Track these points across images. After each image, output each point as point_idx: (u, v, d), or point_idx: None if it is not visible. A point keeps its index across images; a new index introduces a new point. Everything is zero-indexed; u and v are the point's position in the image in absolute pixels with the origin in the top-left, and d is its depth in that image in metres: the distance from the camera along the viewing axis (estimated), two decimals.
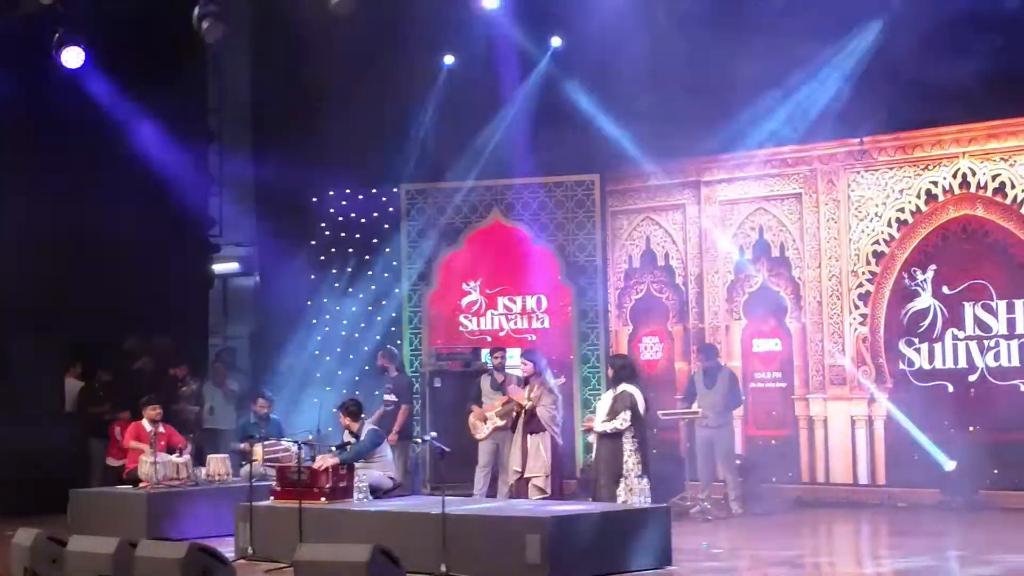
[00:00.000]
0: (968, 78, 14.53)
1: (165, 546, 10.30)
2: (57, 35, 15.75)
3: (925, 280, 15.95)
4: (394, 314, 18.77)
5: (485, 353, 17.30)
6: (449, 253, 18.68)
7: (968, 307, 15.64)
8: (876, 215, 16.27)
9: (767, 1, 15.46)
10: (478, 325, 18.56)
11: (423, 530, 11.34)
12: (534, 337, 18.11)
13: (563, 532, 10.96)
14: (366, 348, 18.58)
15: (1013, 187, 15.36)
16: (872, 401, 16.20)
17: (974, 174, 15.63)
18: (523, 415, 14.22)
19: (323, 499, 12.52)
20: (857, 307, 16.36)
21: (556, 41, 17.44)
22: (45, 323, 17.51)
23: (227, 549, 11.61)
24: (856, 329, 16.36)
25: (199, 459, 15.47)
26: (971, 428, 15.41)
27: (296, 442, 13.31)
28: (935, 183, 15.90)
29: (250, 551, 12.46)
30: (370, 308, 18.93)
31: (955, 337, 15.71)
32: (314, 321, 19.09)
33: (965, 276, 15.68)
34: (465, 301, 18.65)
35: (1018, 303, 15.34)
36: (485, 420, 15.25)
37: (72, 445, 17.35)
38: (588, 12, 16.06)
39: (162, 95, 17.65)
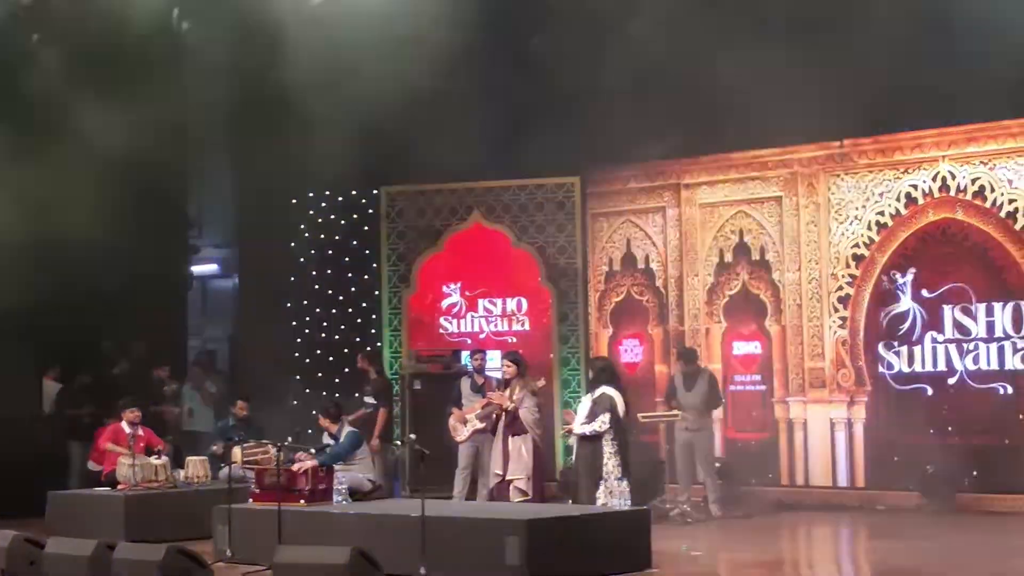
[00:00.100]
0: (948, 81, 14.57)
1: (143, 548, 10.28)
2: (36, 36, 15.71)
3: (904, 283, 15.99)
4: (374, 316, 18.76)
5: (465, 355, 17.30)
6: (429, 255, 18.67)
7: (947, 310, 15.68)
8: (856, 218, 16.30)
9: (748, 3, 15.47)
10: (458, 327, 18.55)
11: (403, 532, 11.32)
12: (514, 339, 18.10)
13: (542, 534, 10.94)
14: (346, 351, 18.57)
15: (992, 190, 15.40)
16: (851, 404, 16.23)
17: (953, 177, 15.67)
18: (504, 417, 14.19)
19: (302, 501, 12.49)
20: (837, 310, 16.39)
21: (535, 42, 17.42)
22: (22, 325, 17.43)
23: (206, 552, 11.56)
24: (836, 332, 16.38)
25: (177, 461, 15.42)
26: (949, 431, 15.45)
27: (275, 444, 13.28)
28: (915, 186, 15.94)
29: (229, 554, 12.42)
30: (350, 310, 18.91)
31: (934, 340, 15.75)
32: (293, 323, 19.07)
33: (944, 279, 15.72)
34: (445, 303, 18.63)
35: (997, 306, 15.38)
36: (465, 422, 15.23)
37: (50, 447, 17.28)
38: (570, 14, 16.05)
39: (140, 95, 17.58)
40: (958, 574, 11.73)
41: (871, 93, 15.27)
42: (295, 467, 12.74)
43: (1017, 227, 15.24)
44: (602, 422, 12.87)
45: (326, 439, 13.57)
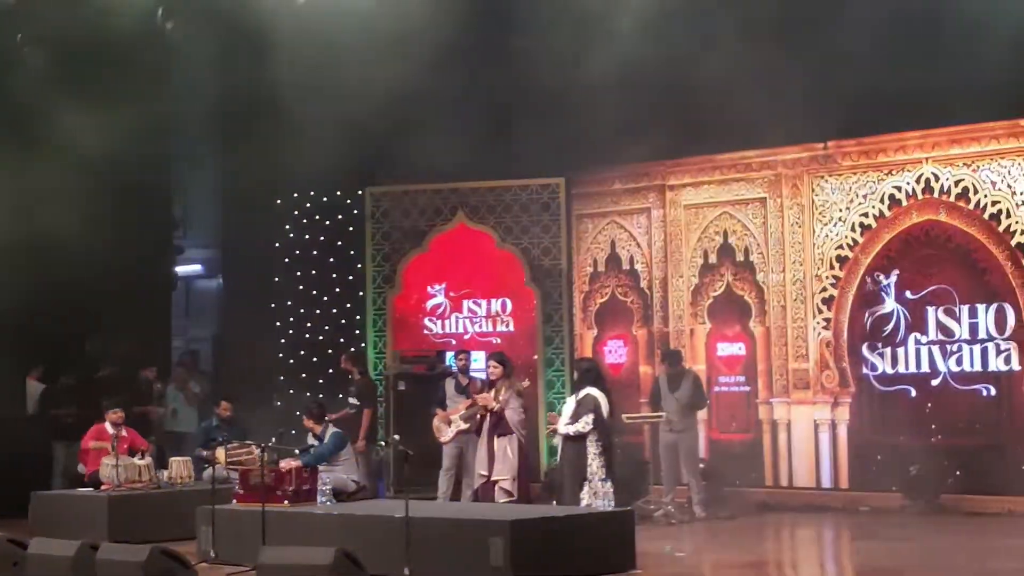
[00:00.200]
0: (931, 83, 14.60)
1: (127, 549, 10.26)
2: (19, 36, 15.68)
3: (888, 285, 16.02)
4: (358, 317, 18.75)
5: (450, 356, 17.30)
6: (414, 256, 18.65)
7: (931, 312, 15.71)
8: (840, 219, 16.33)
9: (733, 5, 15.49)
10: (443, 328, 18.55)
11: (387, 533, 11.30)
12: (499, 340, 18.09)
13: (526, 535, 10.94)
14: (330, 351, 18.56)
15: (976, 192, 15.44)
16: (835, 405, 16.26)
17: (937, 179, 15.71)
18: (489, 418, 14.17)
19: (286, 502, 12.48)
20: (821, 311, 16.42)
21: (520, 43, 17.42)
22: (6, 325, 17.39)
23: (189, 552, 11.54)
24: (820, 333, 16.41)
25: (161, 462, 15.40)
26: (933, 432, 15.49)
27: (259, 445, 13.26)
28: (898, 188, 15.98)
29: (213, 554, 12.40)
30: (334, 311, 18.90)
31: (918, 342, 15.78)
32: (278, 324, 19.05)
33: (928, 281, 15.76)
34: (430, 304, 18.63)
35: (980, 308, 15.42)
36: (449, 423, 15.22)
37: (34, 447, 17.24)
38: (554, 15, 16.05)
39: (126, 96, 17.56)
40: (941, 575, 11.75)
41: (855, 95, 15.31)
42: (279, 468, 12.73)
43: (1000, 229, 15.28)
44: (585, 423, 12.87)
45: (310, 440, 13.58)
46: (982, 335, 15.39)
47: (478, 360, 16.89)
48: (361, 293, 18.75)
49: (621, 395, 15.99)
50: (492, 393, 14.27)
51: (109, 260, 17.84)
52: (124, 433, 15.29)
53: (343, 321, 18.83)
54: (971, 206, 15.47)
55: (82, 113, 17.67)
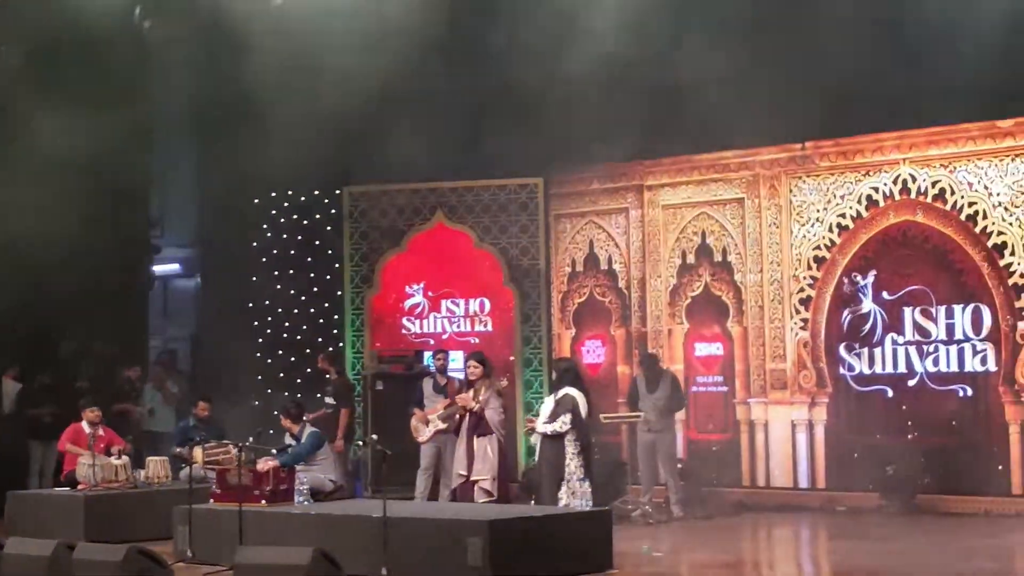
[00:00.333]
0: (909, 85, 14.64)
1: (103, 549, 10.24)
2: None
3: (865, 285, 16.07)
4: (336, 317, 18.73)
5: (428, 356, 17.29)
6: (392, 256, 18.64)
7: (908, 312, 15.76)
8: (817, 220, 16.37)
9: (710, 4, 15.51)
10: (421, 328, 18.53)
11: (364, 533, 11.30)
12: (477, 340, 18.08)
13: (504, 535, 10.94)
14: (308, 351, 18.53)
15: (952, 193, 15.49)
16: (812, 405, 16.29)
17: (914, 180, 15.76)
18: (469, 418, 14.15)
19: (264, 502, 12.46)
20: (798, 312, 16.45)
21: (499, 43, 17.42)
22: None
23: (166, 552, 11.52)
24: (797, 334, 16.45)
25: (138, 461, 15.35)
26: (909, 432, 15.54)
27: (237, 445, 13.24)
28: (876, 189, 16.02)
29: (189, 554, 12.38)
30: (312, 311, 18.87)
31: (895, 342, 15.83)
32: (255, 323, 19.01)
33: (905, 281, 15.80)
34: (408, 304, 18.62)
35: (957, 308, 15.47)
36: (427, 423, 15.21)
37: (10, 447, 17.18)
38: (532, 15, 16.05)
39: (102, 96, 17.51)
40: (917, 574, 11.79)
41: (832, 95, 15.33)
42: (257, 467, 12.71)
43: (977, 230, 15.33)
44: (563, 422, 12.88)
45: (288, 439, 13.55)
46: (959, 336, 15.43)
47: (456, 360, 16.89)
48: (339, 293, 18.72)
49: (599, 395, 16.01)
50: (472, 393, 14.25)
51: (86, 259, 17.78)
52: (101, 432, 15.24)
53: (321, 321, 18.80)
54: (948, 207, 15.53)
55: (59, 112, 17.62)
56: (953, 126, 15.48)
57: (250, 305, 19.04)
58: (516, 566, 10.83)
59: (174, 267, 23.62)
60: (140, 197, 20.37)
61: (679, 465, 15.85)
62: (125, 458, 14.82)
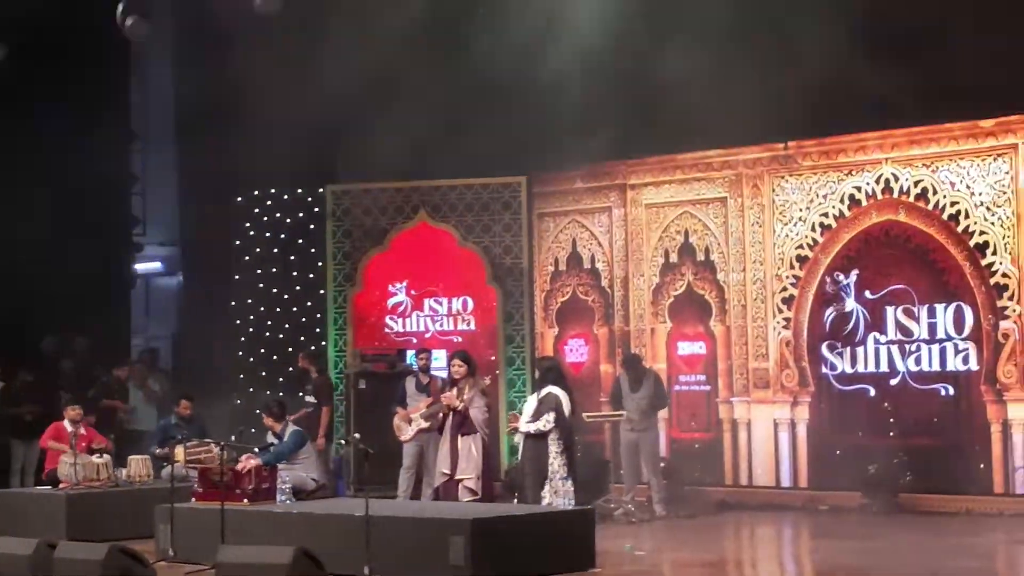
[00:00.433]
0: (891, 85, 14.66)
1: (85, 547, 10.22)
2: None
3: (848, 284, 16.09)
4: (319, 315, 18.70)
5: (411, 354, 17.28)
6: (375, 254, 18.62)
7: (890, 311, 15.79)
8: (800, 219, 16.39)
9: (693, 4, 15.52)
10: (404, 326, 18.52)
11: (346, 532, 11.28)
12: (460, 339, 18.08)
13: (487, 534, 10.93)
14: (290, 349, 18.50)
15: (935, 193, 15.52)
16: (795, 404, 16.32)
17: (896, 180, 15.79)
18: (453, 416, 14.11)
19: (246, 500, 12.43)
20: (781, 311, 16.47)
21: (482, 41, 17.41)
22: None
23: (148, 551, 11.49)
24: (780, 333, 16.47)
25: (120, 460, 15.31)
26: (891, 431, 15.57)
27: (219, 443, 13.20)
28: (858, 188, 16.05)
29: (171, 553, 12.34)
30: (295, 309, 18.85)
31: (877, 341, 15.85)
32: (237, 322, 18.99)
33: (887, 281, 15.83)
34: (391, 302, 18.60)
35: (939, 308, 15.50)
36: (410, 422, 15.21)
37: None
38: (515, 13, 16.05)
39: (84, 94, 17.47)
40: (899, 573, 11.81)
41: (815, 95, 15.32)
42: (239, 466, 12.68)
43: (959, 229, 15.36)
44: (546, 421, 12.87)
45: (270, 438, 13.53)
46: (940, 335, 15.47)
47: (439, 359, 16.90)
48: (322, 291, 18.70)
49: (582, 394, 16.01)
50: (456, 392, 14.22)
51: (68, 257, 17.74)
52: (83, 430, 15.20)
53: (303, 319, 18.78)
54: (930, 206, 15.56)
55: (40, 110, 17.59)
56: (935, 126, 15.52)
57: (232, 304, 19.02)
58: (499, 565, 10.82)
59: (156, 265, 23.60)
60: (122, 195, 20.32)
61: (662, 464, 15.86)
62: (107, 457, 14.77)
